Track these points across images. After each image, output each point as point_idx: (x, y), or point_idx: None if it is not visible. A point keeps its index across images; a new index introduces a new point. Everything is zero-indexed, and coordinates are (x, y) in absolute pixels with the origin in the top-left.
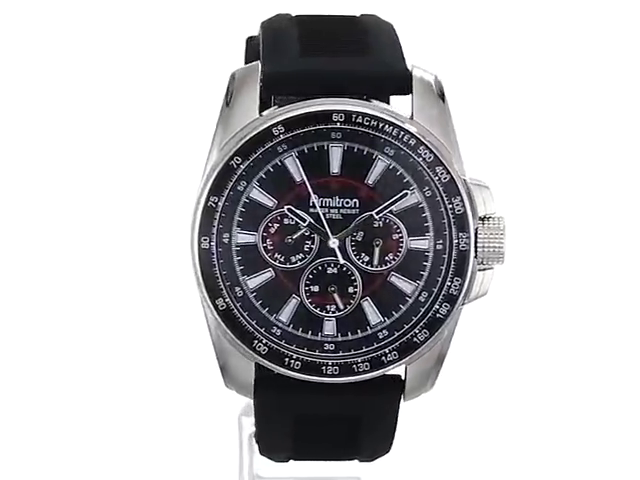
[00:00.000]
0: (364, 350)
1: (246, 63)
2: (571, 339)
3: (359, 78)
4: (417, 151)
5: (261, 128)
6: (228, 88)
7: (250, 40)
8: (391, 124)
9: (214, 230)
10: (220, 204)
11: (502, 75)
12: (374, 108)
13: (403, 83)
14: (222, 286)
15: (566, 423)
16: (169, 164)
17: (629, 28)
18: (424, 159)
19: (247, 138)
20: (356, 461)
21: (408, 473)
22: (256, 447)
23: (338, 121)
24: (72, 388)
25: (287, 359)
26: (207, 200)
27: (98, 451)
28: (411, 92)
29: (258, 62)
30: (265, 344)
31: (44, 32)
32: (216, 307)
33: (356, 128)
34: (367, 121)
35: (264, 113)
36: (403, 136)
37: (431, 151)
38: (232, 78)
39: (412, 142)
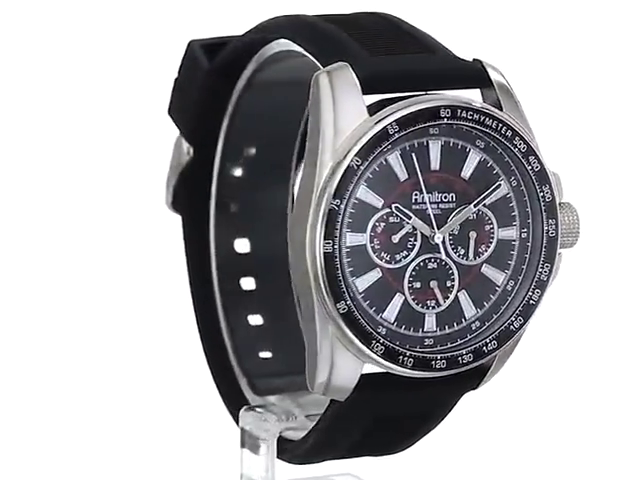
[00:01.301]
0: (460, 342)
1: (194, 68)
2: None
3: (448, 75)
4: (513, 142)
5: (378, 128)
6: (321, 91)
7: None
8: (491, 117)
9: (337, 233)
10: (342, 207)
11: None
12: (475, 102)
13: (484, 76)
14: (344, 289)
15: (578, 426)
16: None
17: None
18: (519, 149)
19: (366, 139)
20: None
21: (405, 468)
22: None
23: (445, 117)
24: (70, 385)
25: (401, 357)
26: (329, 203)
27: (97, 452)
28: (492, 85)
29: (342, 63)
30: (382, 343)
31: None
32: (337, 310)
33: (459, 123)
34: (471, 115)
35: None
36: (501, 128)
37: (525, 141)
38: (324, 81)
39: (509, 133)
